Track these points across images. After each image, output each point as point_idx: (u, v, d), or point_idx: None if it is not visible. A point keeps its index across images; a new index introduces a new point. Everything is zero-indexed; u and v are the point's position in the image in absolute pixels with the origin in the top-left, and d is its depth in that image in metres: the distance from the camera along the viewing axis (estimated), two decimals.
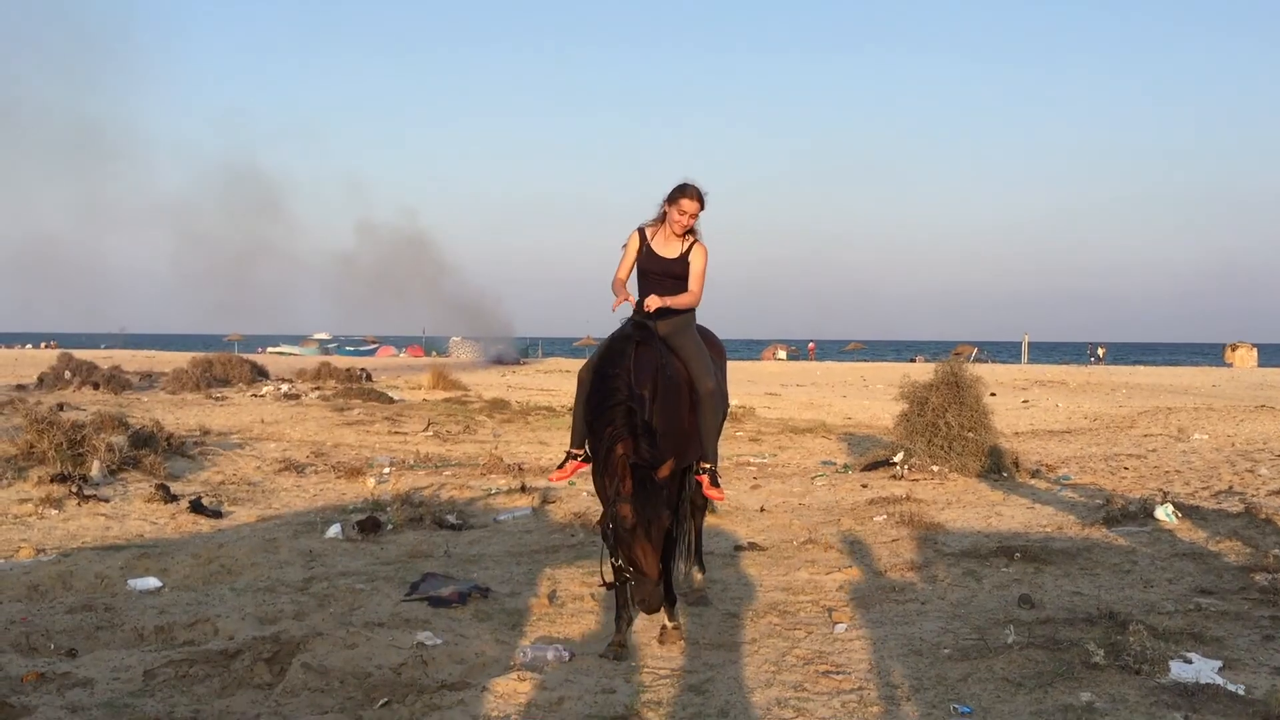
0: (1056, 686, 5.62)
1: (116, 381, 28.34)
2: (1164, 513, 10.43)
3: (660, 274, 7.13)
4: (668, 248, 7.14)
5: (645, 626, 7.25)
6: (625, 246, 7.26)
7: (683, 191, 7.00)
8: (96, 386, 27.44)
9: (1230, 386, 39.55)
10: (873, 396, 32.12)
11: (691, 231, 7.14)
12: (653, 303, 6.93)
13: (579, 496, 12.72)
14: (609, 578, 6.46)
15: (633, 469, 6.17)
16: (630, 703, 5.69)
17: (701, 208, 7.07)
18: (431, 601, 7.51)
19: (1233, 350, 72.90)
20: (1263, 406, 27.23)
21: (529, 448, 18.42)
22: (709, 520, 10.13)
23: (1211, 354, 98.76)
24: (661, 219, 7.16)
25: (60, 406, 19.92)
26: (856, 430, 21.45)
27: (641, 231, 7.22)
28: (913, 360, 71.11)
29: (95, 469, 12.37)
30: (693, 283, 7.14)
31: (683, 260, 7.11)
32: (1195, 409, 26.75)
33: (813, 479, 14.62)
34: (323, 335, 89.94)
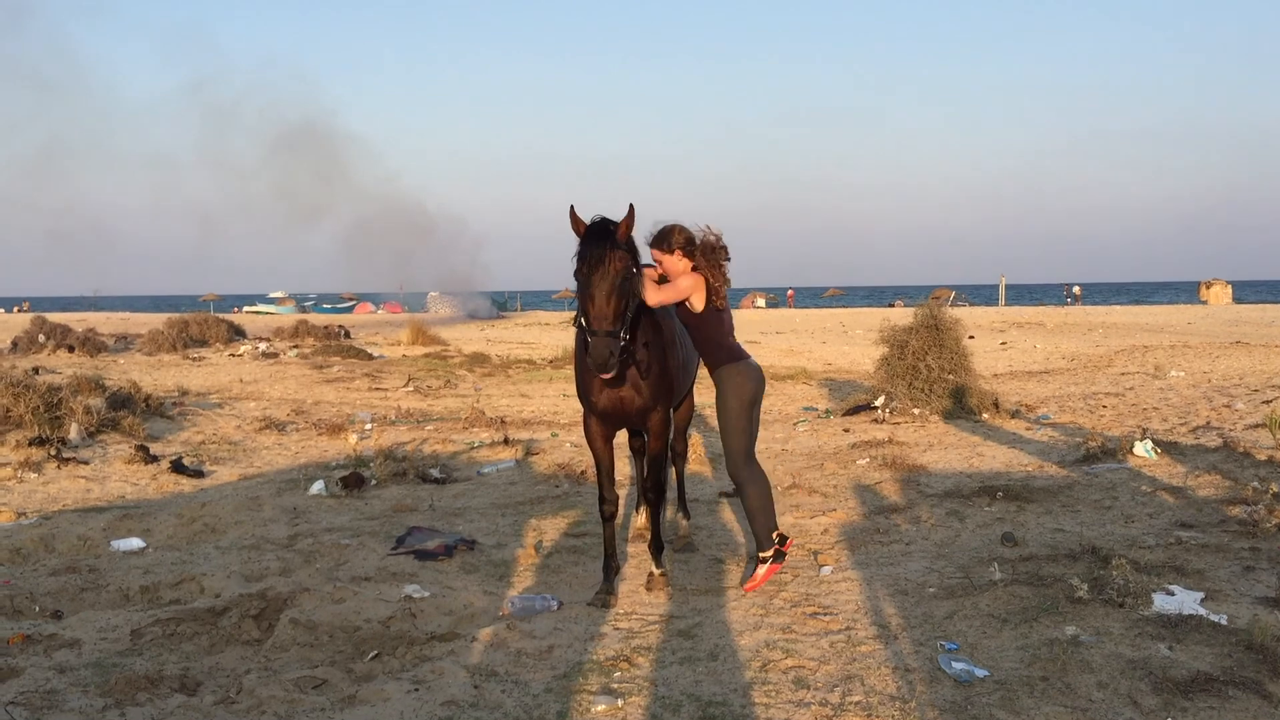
0: (1041, 621, 5.67)
1: (92, 344, 28.06)
2: (1143, 449, 10.51)
3: (681, 321, 6.86)
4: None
5: (633, 574, 7.28)
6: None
7: (650, 241, 6.59)
8: (72, 349, 27.17)
9: (1205, 323, 39.85)
10: (852, 342, 32.19)
11: (697, 270, 6.60)
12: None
13: (563, 448, 12.72)
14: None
15: (591, 222, 6.20)
16: (620, 649, 5.71)
17: (673, 248, 6.54)
18: (418, 555, 7.51)
19: (1207, 287, 73.36)
20: (1238, 343, 27.48)
21: (510, 400, 18.39)
22: (692, 468, 10.15)
23: (1186, 291, 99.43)
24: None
25: (35, 370, 19.72)
26: (837, 376, 21.51)
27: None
28: (892, 305, 71.26)
29: (73, 432, 12.26)
30: (664, 289, 6.55)
31: (683, 306, 6.66)
32: (1171, 347, 26.95)
33: (795, 425, 14.66)
34: (278, 294, 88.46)
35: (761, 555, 6.77)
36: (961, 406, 14.30)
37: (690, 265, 6.58)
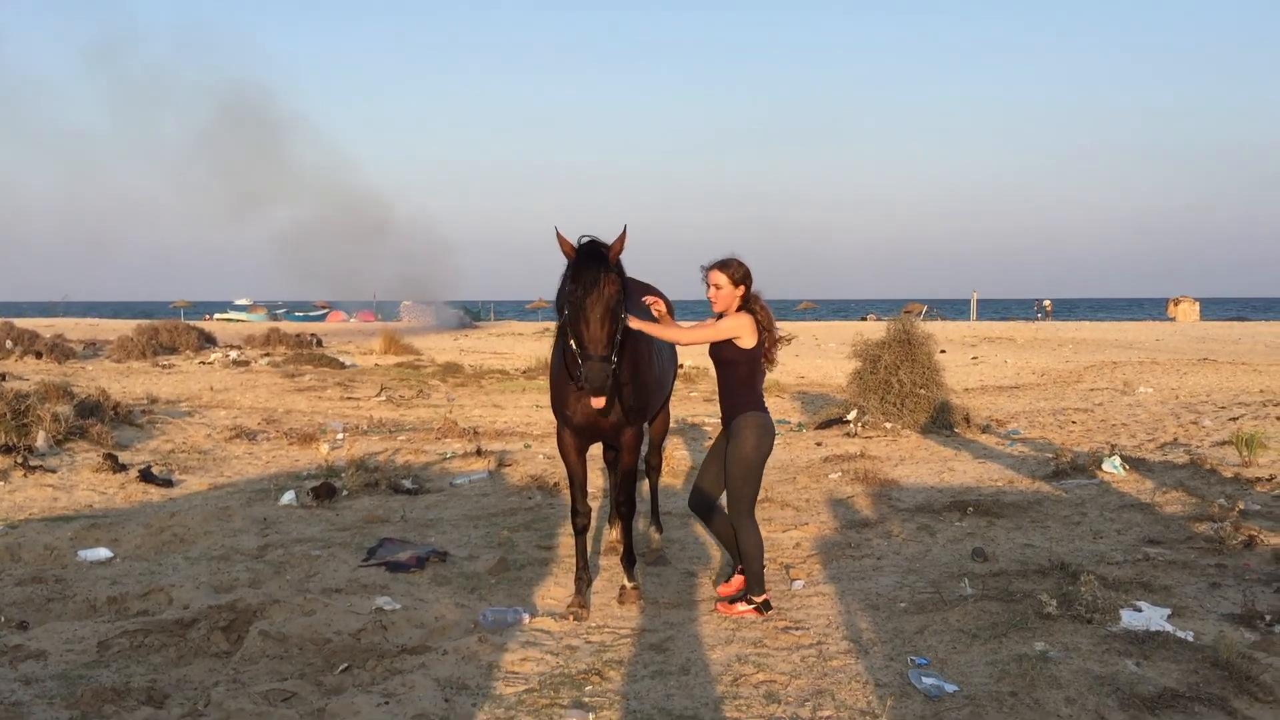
0: (1011, 637, 5.72)
1: (60, 350, 27.78)
2: (1111, 465, 10.62)
3: (713, 358, 6.62)
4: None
5: (605, 587, 7.28)
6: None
7: (711, 265, 6.50)
8: (39, 355, 26.88)
9: (1173, 340, 40.27)
10: (825, 355, 32.31)
11: (747, 309, 6.47)
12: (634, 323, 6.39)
13: (535, 459, 12.70)
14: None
15: (580, 244, 6.17)
16: (591, 662, 5.71)
17: (735, 280, 6.43)
18: (389, 566, 7.47)
19: (1175, 305, 74.18)
20: (1205, 359, 27.79)
21: (484, 411, 18.35)
22: (665, 481, 10.17)
23: (1155, 308, 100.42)
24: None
25: (2, 376, 19.50)
26: (810, 389, 21.59)
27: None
28: (865, 319, 71.60)
29: (40, 439, 12.13)
30: (701, 329, 6.60)
31: (725, 343, 6.47)
32: (1140, 363, 27.22)
33: None
34: (245, 301, 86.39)
35: (752, 598, 6.58)
36: (933, 421, 14.38)
37: (739, 300, 6.49)
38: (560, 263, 6.46)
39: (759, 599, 6.58)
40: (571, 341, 6.16)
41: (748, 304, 6.49)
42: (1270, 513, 8.73)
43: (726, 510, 6.67)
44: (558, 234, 6.25)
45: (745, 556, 6.60)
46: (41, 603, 6.70)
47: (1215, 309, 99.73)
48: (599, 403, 6.11)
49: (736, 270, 6.45)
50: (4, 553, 7.80)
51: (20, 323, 37.83)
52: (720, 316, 6.53)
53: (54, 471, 11.12)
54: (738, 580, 6.87)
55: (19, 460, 11.16)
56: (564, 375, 6.59)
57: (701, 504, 6.84)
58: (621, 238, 6.21)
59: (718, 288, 6.45)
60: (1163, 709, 4.73)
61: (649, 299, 6.84)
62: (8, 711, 4.90)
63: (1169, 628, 5.75)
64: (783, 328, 6.72)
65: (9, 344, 28.02)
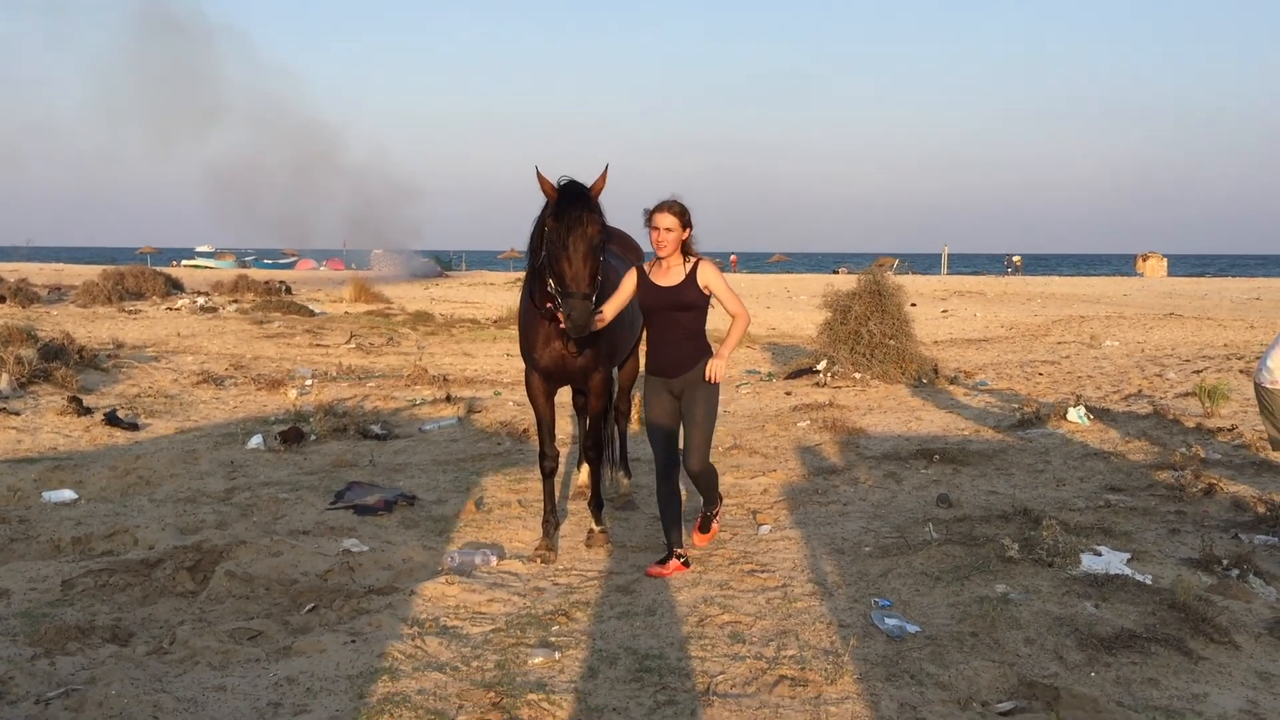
0: (973, 579, 5.79)
1: (24, 294, 27.38)
2: (1076, 415, 10.72)
3: (666, 307, 6.23)
4: (668, 276, 6.24)
5: (573, 531, 7.30)
6: (619, 289, 6.38)
7: (656, 208, 6.17)
8: (2, 299, 26.52)
9: (1141, 295, 40.62)
10: (796, 307, 32.39)
11: (688, 252, 6.28)
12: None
13: (505, 406, 12.69)
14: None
15: (561, 184, 6.11)
16: (558, 603, 5.74)
17: (683, 223, 6.17)
18: (357, 510, 7.47)
19: (1143, 260, 74.74)
20: (1171, 314, 28.07)
21: (454, 359, 18.29)
22: (633, 427, 10.18)
23: (1123, 264, 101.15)
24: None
25: None
26: (780, 340, 21.66)
27: (639, 269, 6.39)
28: (836, 271, 71.72)
29: (4, 382, 11.99)
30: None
31: (689, 285, 6.18)
32: (1107, 317, 27.46)
33: (738, 387, 14.75)
34: (205, 248, 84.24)
35: (713, 512, 6.82)
36: (902, 371, 14.46)
37: (682, 242, 6.29)
38: (534, 208, 6.42)
39: (718, 509, 6.89)
40: (550, 281, 6.11)
41: (689, 247, 6.29)
42: (1230, 462, 8.86)
43: (690, 462, 6.36)
44: (538, 174, 6.19)
45: (707, 488, 6.63)
46: (4, 542, 6.65)
47: (1182, 265, 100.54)
48: (576, 350, 6.09)
49: (685, 212, 6.21)
50: None
51: None
52: (657, 259, 6.28)
53: (18, 414, 11.00)
54: (673, 565, 6.39)
55: None
56: (533, 319, 6.56)
57: (676, 471, 6.49)
58: (603, 177, 6.18)
59: (668, 230, 6.12)
60: (1120, 649, 4.81)
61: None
62: None
63: (1128, 571, 5.84)
64: (755, 279, 6.68)
65: None
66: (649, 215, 6.19)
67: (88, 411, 11.27)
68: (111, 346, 17.47)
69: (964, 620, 5.24)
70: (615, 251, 7.60)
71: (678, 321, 6.23)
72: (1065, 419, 10.71)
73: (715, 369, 6.12)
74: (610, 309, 6.26)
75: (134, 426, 11.03)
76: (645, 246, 7.80)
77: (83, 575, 5.94)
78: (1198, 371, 14.82)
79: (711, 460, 6.62)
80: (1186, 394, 12.75)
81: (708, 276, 6.22)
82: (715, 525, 6.93)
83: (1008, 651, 4.86)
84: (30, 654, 4.84)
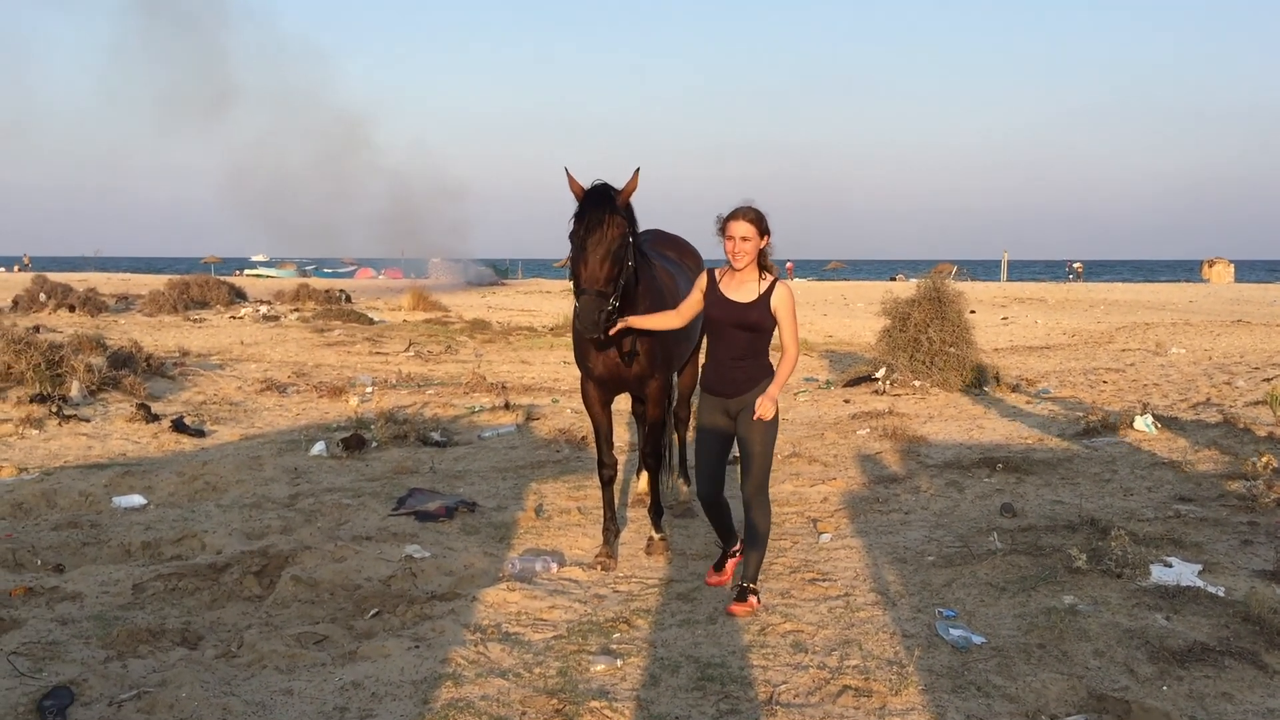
0: (1039, 590, 5.70)
1: (93, 304, 28.02)
2: (1143, 424, 10.52)
3: (732, 323, 5.72)
4: (740, 290, 5.74)
5: (632, 538, 7.31)
6: (688, 297, 6.04)
7: (730, 215, 5.69)
8: (73, 309, 27.14)
9: (1207, 302, 39.78)
10: (853, 315, 32.19)
11: (765, 268, 5.75)
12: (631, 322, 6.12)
13: (563, 413, 12.73)
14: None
15: (591, 186, 6.08)
16: (619, 610, 5.74)
17: (760, 230, 5.66)
18: (418, 516, 7.54)
19: (1210, 266, 73.18)
20: (1239, 321, 27.46)
21: (511, 367, 18.40)
22: (692, 434, 10.16)
23: (1189, 270, 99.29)
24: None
25: (36, 329, 19.69)
26: (838, 348, 21.51)
27: (711, 272, 5.92)
28: (894, 278, 71.16)
29: (75, 389, 12.27)
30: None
31: (760, 306, 5.67)
32: (1172, 324, 26.94)
33: (795, 395, 14.67)
34: (260, 257, 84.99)
35: (751, 586, 5.84)
36: (963, 379, 14.30)
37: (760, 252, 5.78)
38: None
39: (757, 586, 5.91)
40: (570, 281, 6.14)
41: (767, 258, 5.77)
42: None
43: (746, 488, 5.83)
44: (568, 175, 6.20)
45: (760, 539, 5.85)
46: (77, 547, 6.80)
47: (1250, 271, 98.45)
48: (594, 339, 6.05)
49: (761, 219, 5.69)
50: (40, 498, 7.92)
51: (53, 277, 38.14)
52: (731, 269, 5.78)
53: (88, 421, 11.25)
54: (730, 566, 6.25)
55: (54, 409, 11.31)
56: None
57: (718, 492, 6.09)
58: (633, 180, 6.15)
59: (744, 239, 5.62)
60: (1192, 662, 4.71)
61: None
62: (45, 650, 4.99)
63: (1199, 583, 5.72)
64: (811, 286, 6.62)
65: (43, 297, 28.29)
66: (722, 223, 5.71)
67: (155, 418, 11.49)
68: (177, 354, 17.82)
69: (1031, 632, 5.16)
70: (672, 257, 7.59)
71: (741, 339, 5.75)
72: (1132, 427, 10.52)
73: (765, 409, 5.62)
74: (674, 319, 6.09)
75: (200, 433, 11.23)
76: (707, 255, 7.79)
77: (153, 579, 6.05)
78: (1268, 379, 14.47)
79: (771, 468, 6.47)
80: (1257, 402, 12.45)
81: (780, 302, 5.69)
82: (753, 599, 5.80)
83: (1076, 664, 4.78)
84: (103, 656, 4.95)
